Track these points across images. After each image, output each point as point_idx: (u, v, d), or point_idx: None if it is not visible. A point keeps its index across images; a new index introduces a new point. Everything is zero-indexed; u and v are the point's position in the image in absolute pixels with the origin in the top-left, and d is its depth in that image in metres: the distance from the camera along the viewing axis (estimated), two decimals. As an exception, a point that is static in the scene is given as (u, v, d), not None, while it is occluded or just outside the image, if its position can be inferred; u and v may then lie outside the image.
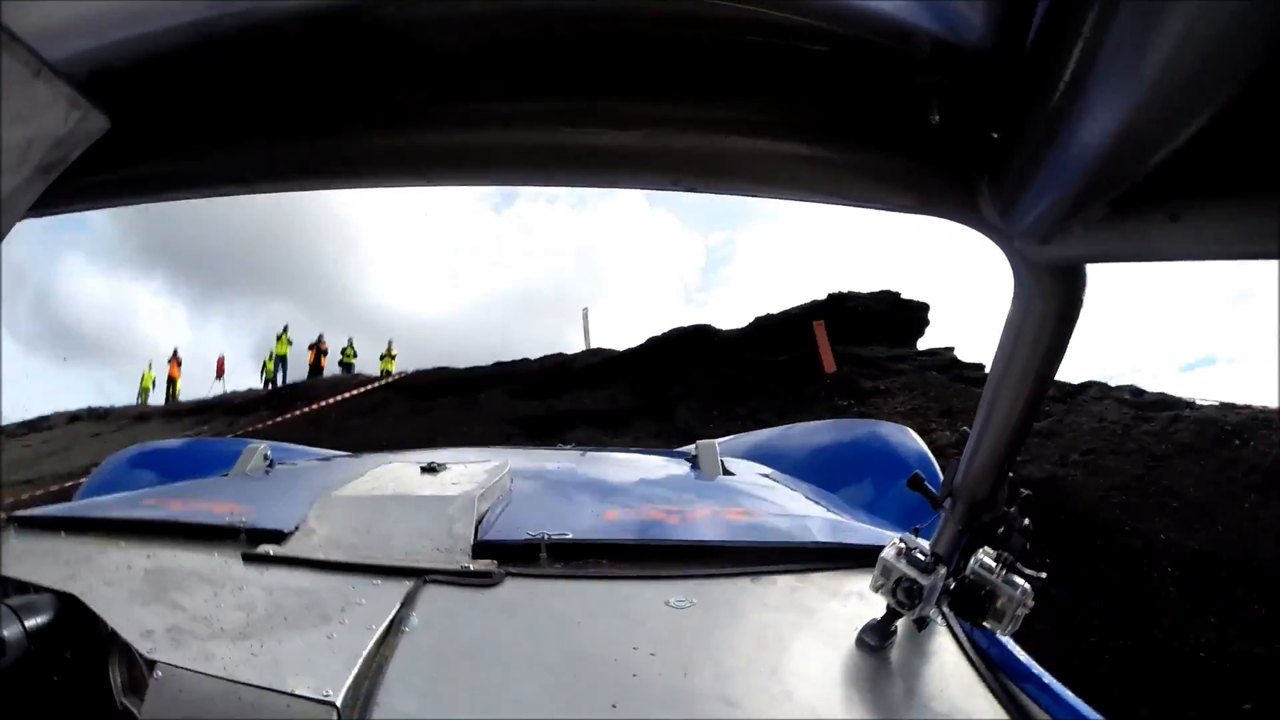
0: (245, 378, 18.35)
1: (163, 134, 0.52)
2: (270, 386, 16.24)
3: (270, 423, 12.23)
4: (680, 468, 1.54)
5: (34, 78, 0.35)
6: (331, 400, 13.28)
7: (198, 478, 1.60)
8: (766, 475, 1.57)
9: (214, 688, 0.67)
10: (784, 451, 1.98)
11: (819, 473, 1.77)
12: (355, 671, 0.68)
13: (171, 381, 19.99)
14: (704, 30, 0.44)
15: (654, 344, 13.82)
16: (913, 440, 1.87)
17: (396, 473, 1.21)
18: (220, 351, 21.67)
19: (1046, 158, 0.44)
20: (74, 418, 16.73)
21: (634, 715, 0.66)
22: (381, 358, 19.19)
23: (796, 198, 0.60)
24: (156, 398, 18.83)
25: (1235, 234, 0.39)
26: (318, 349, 19.42)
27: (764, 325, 13.08)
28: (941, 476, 0.83)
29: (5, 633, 0.75)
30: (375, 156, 0.58)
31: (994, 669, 0.77)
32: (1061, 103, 0.40)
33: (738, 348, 12.67)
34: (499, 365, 15.40)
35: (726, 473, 1.45)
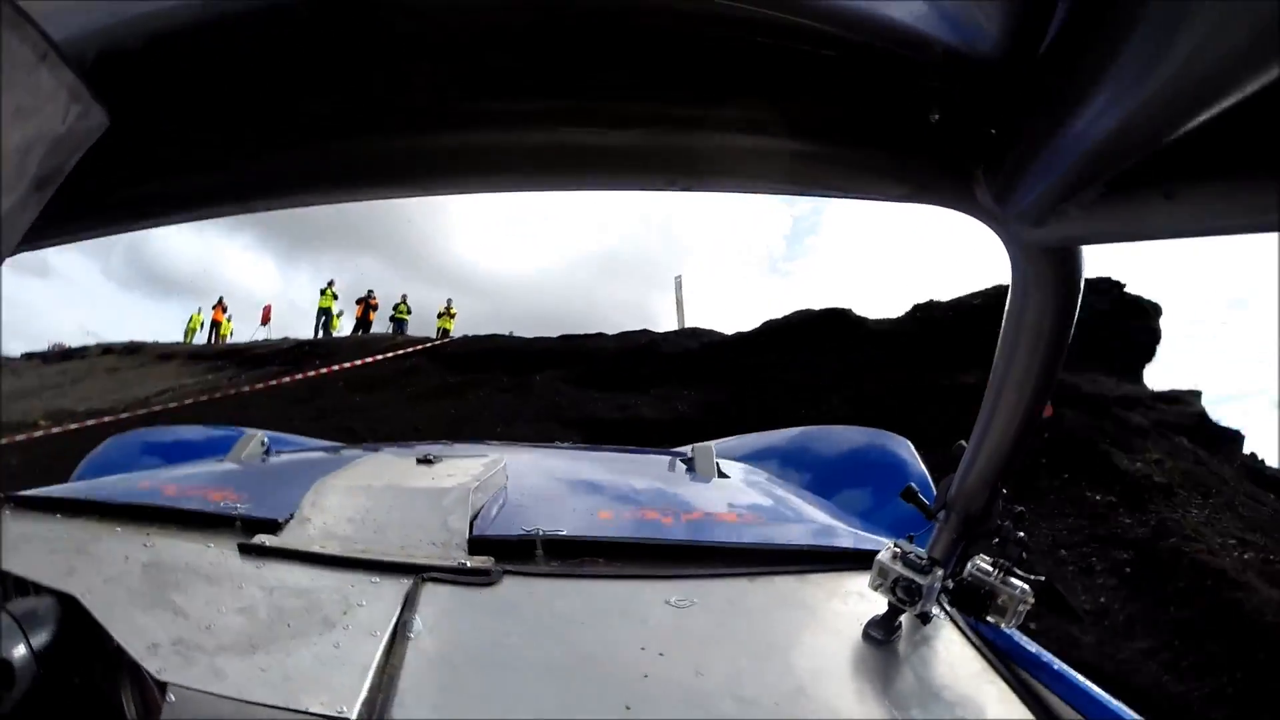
0: (303, 328, 19.41)
1: (161, 138, 0.54)
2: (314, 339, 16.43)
3: (268, 384, 11.04)
4: (675, 468, 1.61)
5: (39, 63, 0.37)
6: (349, 365, 11.76)
7: (194, 463, 1.64)
8: (761, 479, 1.65)
9: (228, 709, 0.70)
10: (782, 457, 2.07)
11: (817, 479, 1.88)
12: (367, 685, 0.71)
13: (215, 325, 21.37)
14: (710, 30, 0.46)
15: (771, 329, 11.20)
16: (909, 452, 1.96)
17: (391, 463, 1.30)
18: (269, 300, 21.84)
19: (1045, 149, 0.47)
20: (108, 349, 18.26)
21: (650, 716, 0.69)
22: (440, 315, 18.95)
23: (791, 192, 0.63)
24: (202, 340, 20.32)
25: (1231, 209, 0.41)
26: (366, 303, 19.29)
27: (926, 316, 10.28)
28: (935, 492, 0.86)
29: (12, 654, 0.77)
30: (373, 163, 0.59)
31: (1004, 658, 0.82)
32: (1063, 102, 0.42)
33: (890, 344, 9.88)
34: (567, 339, 13.40)
35: (721, 475, 1.52)
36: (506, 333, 14.34)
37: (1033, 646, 0.84)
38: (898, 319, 9.81)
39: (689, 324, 12.06)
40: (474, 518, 1.04)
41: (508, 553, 0.99)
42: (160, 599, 0.87)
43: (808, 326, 10.01)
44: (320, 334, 17.10)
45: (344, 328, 17.96)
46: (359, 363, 11.19)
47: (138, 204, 0.60)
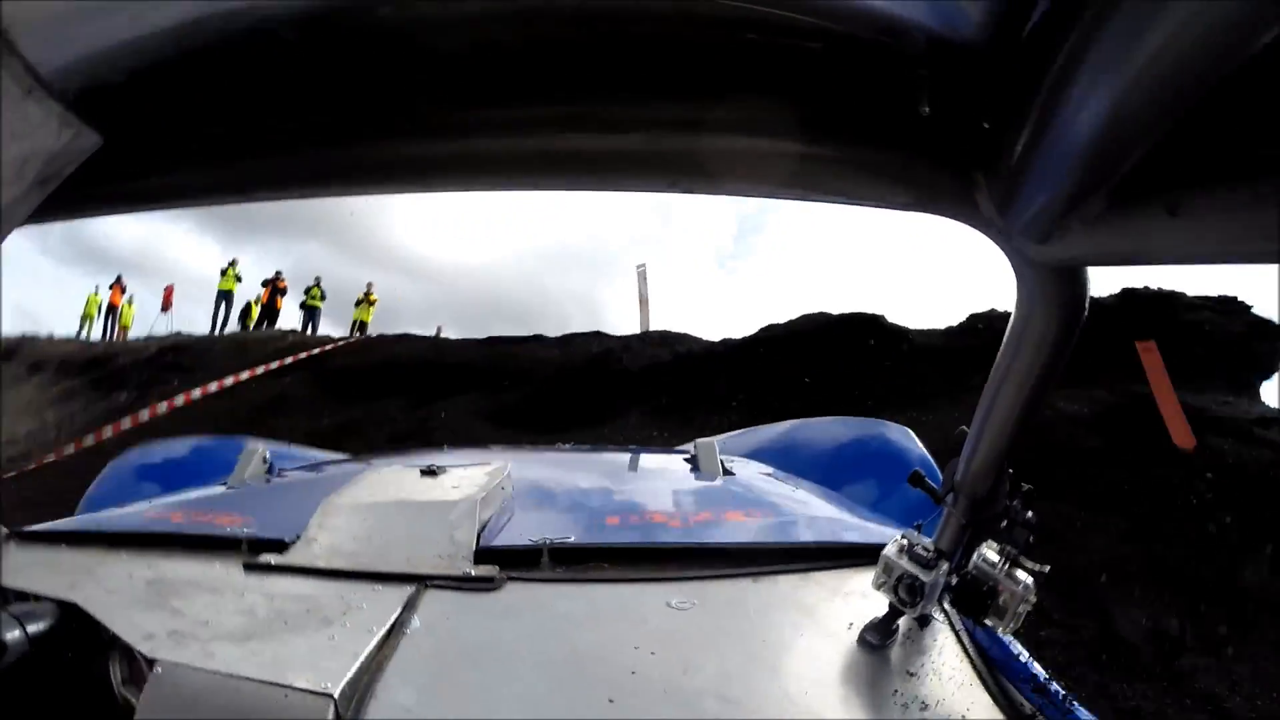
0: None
1: (156, 148, 0.60)
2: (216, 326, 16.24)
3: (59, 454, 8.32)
4: (680, 467, 1.72)
5: (25, 96, 0.41)
6: (185, 399, 9.18)
7: (199, 481, 1.85)
8: (767, 474, 1.74)
9: (212, 681, 0.76)
10: (784, 450, 2.17)
11: (819, 472, 1.94)
12: (355, 668, 0.78)
13: (113, 310, 18.12)
14: (697, 29, 0.49)
15: (773, 336, 8.68)
16: (913, 441, 2.11)
17: (396, 478, 1.37)
18: (170, 281, 21.40)
19: (1042, 148, 0.50)
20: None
21: (630, 711, 0.76)
22: (357, 304, 17.04)
23: (796, 198, 0.66)
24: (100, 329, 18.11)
25: (1235, 230, 0.43)
26: (273, 286, 16.64)
27: (981, 325, 8.03)
28: (942, 478, 0.96)
29: (6, 636, 0.87)
30: (370, 165, 0.64)
31: (993, 669, 0.88)
32: (1055, 92, 0.45)
33: (943, 364, 7.54)
34: (494, 344, 10.23)
35: (727, 472, 1.64)
36: (435, 331, 13.06)
37: (1025, 657, 0.92)
38: (946, 330, 8.40)
39: (652, 325, 8.61)
40: (481, 530, 1.13)
41: (515, 562, 1.06)
42: (161, 604, 0.94)
43: (825, 336, 8.35)
44: (223, 321, 16.37)
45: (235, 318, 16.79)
46: (202, 392, 9.49)
47: (132, 195, 0.66)
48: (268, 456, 1.82)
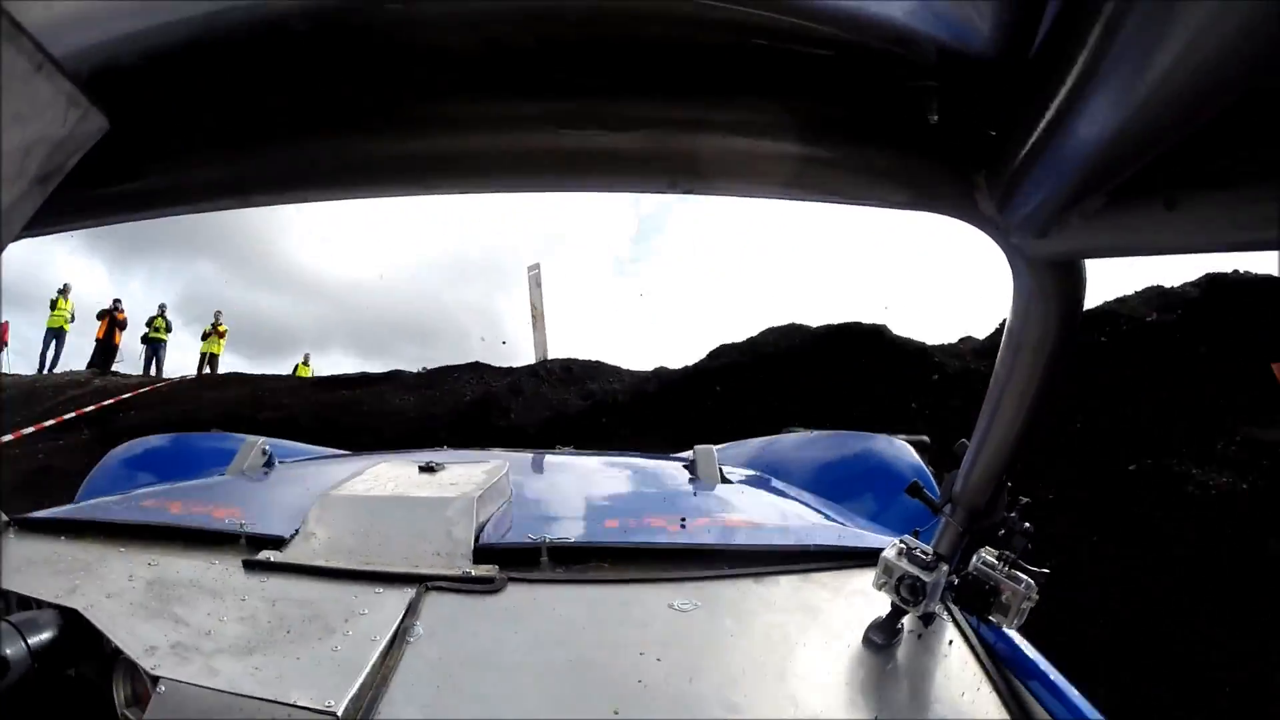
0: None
1: (160, 140, 0.60)
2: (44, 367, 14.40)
3: None
4: (679, 473, 1.78)
5: (35, 73, 0.40)
6: None
7: (197, 473, 1.93)
8: (764, 482, 1.82)
9: (216, 701, 0.79)
10: (780, 461, 2.21)
11: (816, 482, 1.98)
12: (359, 683, 0.81)
13: None
14: (709, 33, 0.50)
15: (733, 359, 6.29)
16: (909, 455, 2.15)
17: (394, 473, 1.40)
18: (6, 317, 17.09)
19: (1046, 152, 0.51)
20: None
21: (636, 718, 0.82)
22: (204, 336, 14.69)
23: (793, 197, 0.67)
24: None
25: (1232, 222, 0.45)
26: (111, 318, 13.80)
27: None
28: (939, 491, 1.01)
29: (8, 651, 0.89)
30: (370, 162, 0.64)
31: (1000, 666, 0.91)
32: (1062, 103, 0.47)
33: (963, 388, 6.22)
34: (328, 385, 7.61)
35: (724, 480, 1.71)
36: (302, 358, 12.04)
37: (1031, 652, 0.95)
38: (983, 340, 6.41)
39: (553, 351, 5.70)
40: (480, 528, 1.18)
41: (513, 561, 1.11)
42: (162, 610, 0.97)
43: (806, 357, 5.99)
44: (52, 360, 14.46)
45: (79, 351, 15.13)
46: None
47: (136, 196, 0.67)
48: (267, 449, 1.90)
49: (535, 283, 8.44)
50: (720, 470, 1.65)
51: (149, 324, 14.97)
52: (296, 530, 1.14)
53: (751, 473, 1.88)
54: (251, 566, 1.06)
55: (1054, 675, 0.86)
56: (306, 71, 0.51)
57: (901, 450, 2.09)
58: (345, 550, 1.07)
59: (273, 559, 1.06)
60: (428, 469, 1.35)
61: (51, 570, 1.06)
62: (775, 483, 1.78)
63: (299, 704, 0.73)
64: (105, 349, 14.77)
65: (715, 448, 1.80)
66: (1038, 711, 0.82)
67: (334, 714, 0.73)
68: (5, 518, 1.24)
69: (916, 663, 0.87)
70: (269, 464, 1.85)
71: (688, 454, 1.84)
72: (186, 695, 0.76)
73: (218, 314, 15.27)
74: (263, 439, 1.91)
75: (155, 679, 0.80)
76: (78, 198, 0.55)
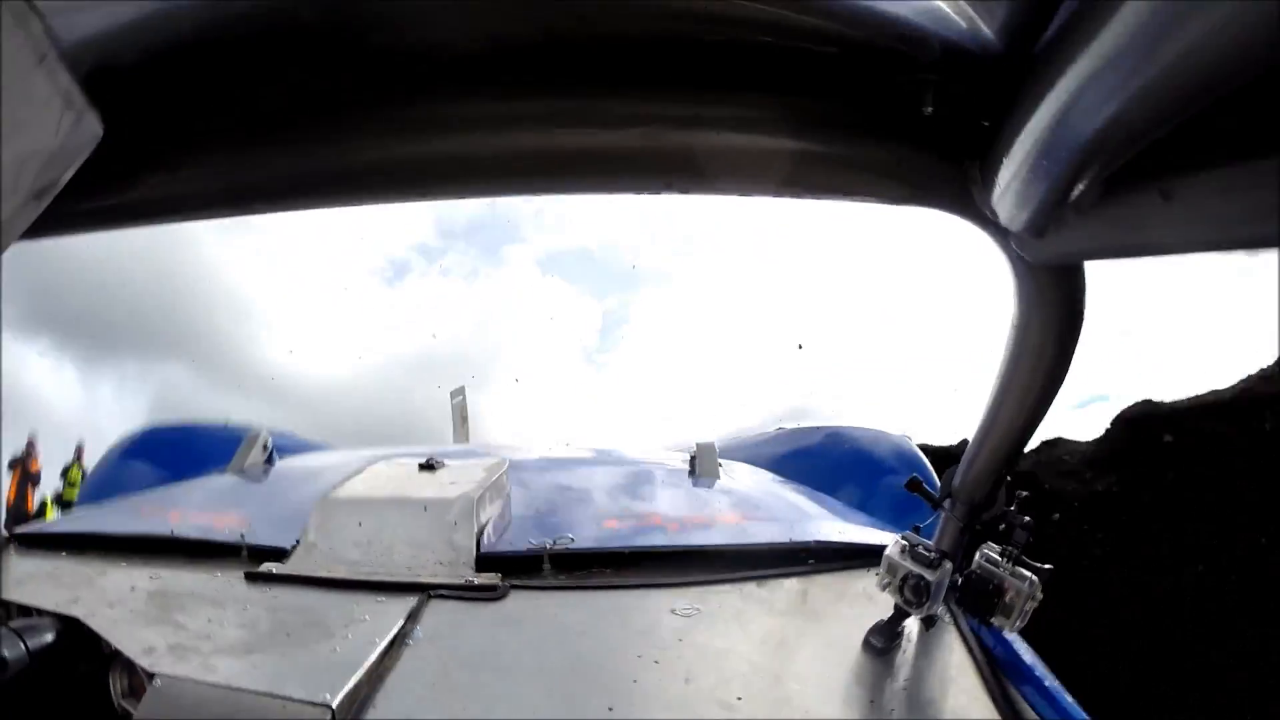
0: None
1: (156, 145, 0.59)
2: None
3: None
4: (679, 470, 1.84)
5: (37, 65, 0.40)
6: None
7: (200, 465, 1.97)
8: (765, 478, 1.89)
9: (209, 694, 0.80)
10: (777, 455, 2.28)
11: (816, 477, 2.03)
12: (355, 680, 0.81)
13: None
14: (709, 27, 0.50)
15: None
16: (908, 446, 2.26)
17: (393, 472, 1.44)
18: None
19: (1038, 142, 0.52)
20: None
21: (629, 717, 0.82)
22: (64, 474, 10.95)
23: (791, 195, 0.67)
24: None
25: (1230, 213, 0.46)
26: (23, 468, 10.39)
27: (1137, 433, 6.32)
28: (938, 482, 0.99)
29: (6, 652, 0.91)
30: (366, 167, 0.64)
31: (998, 672, 0.91)
32: (1058, 95, 0.48)
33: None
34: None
35: (725, 476, 1.78)
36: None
37: (1030, 658, 0.96)
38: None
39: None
40: (481, 533, 1.22)
41: (515, 568, 1.14)
42: (162, 618, 0.98)
43: None
44: None
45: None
46: None
47: (132, 204, 0.66)
48: (268, 444, 1.95)
49: (459, 411, 7.40)
50: (720, 467, 1.71)
51: (64, 476, 10.97)
52: (298, 541, 1.17)
53: (750, 469, 1.90)
54: (254, 579, 1.08)
55: (1050, 682, 0.87)
56: (302, 68, 0.49)
57: (902, 443, 2.14)
58: (348, 562, 1.10)
59: (275, 571, 1.09)
60: (428, 466, 1.36)
61: (53, 583, 1.07)
62: (775, 478, 1.80)
63: (292, 695, 0.73)
64: (16, 512, 10.42)
65: (717, 441, 1.86)
66: (1032, 718, 0.85)
67: (328, 706, 0.73)
68: (5, 533, 1.30)
69: (915, 668, 0.88)
70: (270, 459, 1.91)
71: (689, 448, 1.93)
72: (182, 688, 0.76)
73: (79, 448, 11.10)
74: (265, 431, 1.94)
75: (151, 675, 0.81)
76: (73, 207, 0.51)
